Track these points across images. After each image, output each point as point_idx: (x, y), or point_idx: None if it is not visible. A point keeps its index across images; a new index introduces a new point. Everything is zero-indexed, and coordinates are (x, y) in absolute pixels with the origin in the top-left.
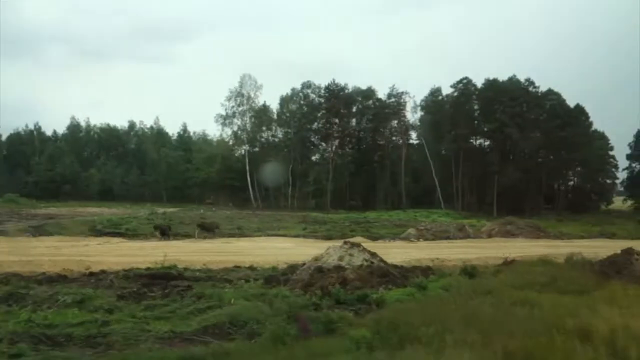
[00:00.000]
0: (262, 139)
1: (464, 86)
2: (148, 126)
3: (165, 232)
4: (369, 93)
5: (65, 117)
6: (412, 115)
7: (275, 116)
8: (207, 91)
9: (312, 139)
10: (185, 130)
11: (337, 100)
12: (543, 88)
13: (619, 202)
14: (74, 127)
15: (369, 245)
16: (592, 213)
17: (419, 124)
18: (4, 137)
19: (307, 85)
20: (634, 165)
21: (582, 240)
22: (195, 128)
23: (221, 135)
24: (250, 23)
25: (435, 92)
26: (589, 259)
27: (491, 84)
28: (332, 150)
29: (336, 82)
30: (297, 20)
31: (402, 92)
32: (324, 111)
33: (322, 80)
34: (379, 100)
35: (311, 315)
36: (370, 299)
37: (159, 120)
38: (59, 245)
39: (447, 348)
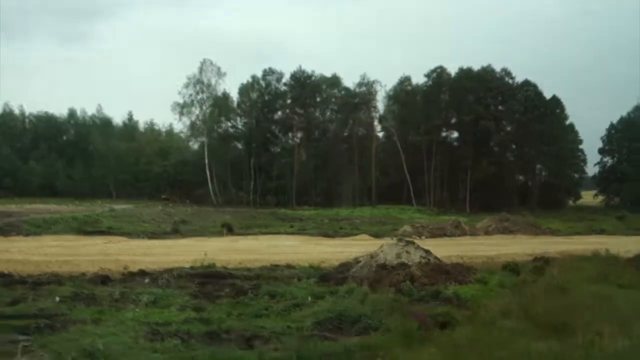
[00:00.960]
0: (221, 130)
1: (438, 75)
2: (90, 114)
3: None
4: (334, 81)
5: None
6: (382, 106)
7: (235, 105)
8: (154, 77)
9: (275, 130)
10: (130, 119)
11: (303, 89)
12: (519, 79)
13: (588, 198)
14: (6, 116)
15: (376, 242)
16: (562, 209)
17: (388, 115)
18: None
19: (269, 72)
20: (605, 159)
21: (579, 236)
22: (141, 117)
23: (171, 125)
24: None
25: (405, 82)
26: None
27: (465, 74)
28: (296, 143)
29: (303, 69)
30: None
31: (374, 81)
32: (289, 100)
33: (274, 65)
34: (347, 89)
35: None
36: (446, 295)
37: (102, 108)
38: (68, 245)
39: (605, 337)
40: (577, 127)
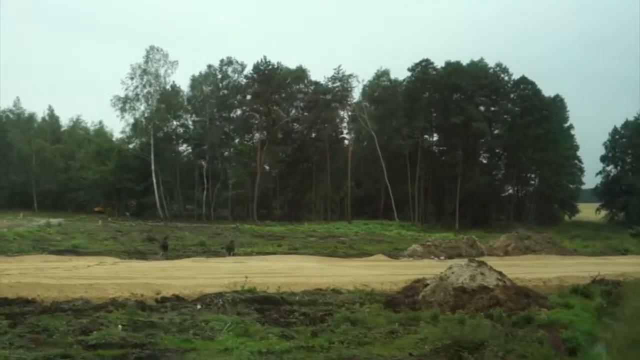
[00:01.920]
0: (169, 130)
1: (423, 70)
2: (3, 108)
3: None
4: (300, 74)
5: None
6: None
7: (185, 101)
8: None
9: (231, 131)
10: (52, 115)
11: (268, 83)
12: (515, 75)
13: (586, 212)
14: None
15: (392, 263)
16: (559, 225)
17: (364, 115)
18: None
19: (227, 62)
20: (608, 168)
21: (610, 257)
22: (64, 112)
23: (101, 122)
24: None
25: (382, 76)
26: None
27: (454, 69)
28: (257, 146)
29: (267, 60)
30: None
31: (349, 76)
32: (249, 96)
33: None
34: (317, 84)
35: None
36: (540, 320)
37: (20, 102)
38: (64, 267)
39: None
40: (573, 131)
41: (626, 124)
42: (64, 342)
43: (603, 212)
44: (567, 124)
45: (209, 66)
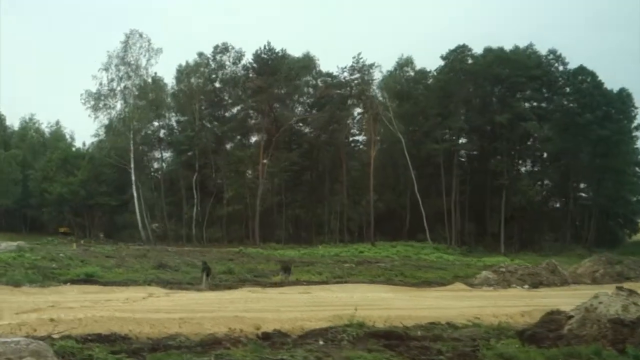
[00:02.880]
0: (151, 133)
1: (459, 58)
2: None
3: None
4: (307, 63)
5: None
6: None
7: (168, 97)
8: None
9: (227, 133)
10: None
11: (273, 75)
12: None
13: None
14: None
15: (479, 293)
16: (621, 246)
17: (389, 113)
18: None
19: (221, 49)
20: None
21: None
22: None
23: (58, 123)
24: None
25: (405, 65)
26: None
27: (497, 57)
28: (258, 151)
29: (271, 46)
30: None
31: (371, 65)
32: (248, 90)
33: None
34: (331, 76)
35: None
36: None
37: None
38: (111, 298)
39: None
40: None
41: None
42: None
43: None
44: (635, 124)
45: (200, 54)
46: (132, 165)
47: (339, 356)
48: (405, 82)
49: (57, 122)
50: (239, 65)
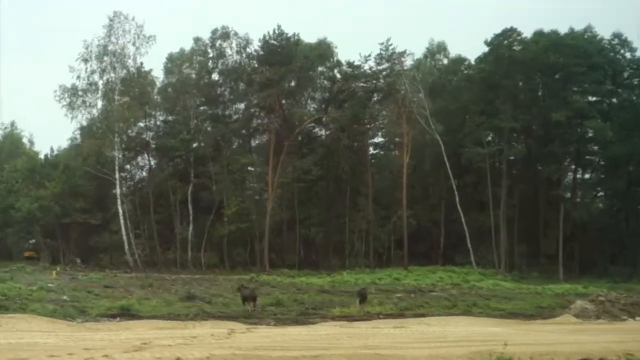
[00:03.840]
0: (137, 135)
1: (507, 43)
2: None
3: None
4: (323, 50)
5: None
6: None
7: (155, 93)
8: None
9: (228, 136)
10: None
11: (288, 64)
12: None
13: None
14: None
15: (598, 326)
16: None
17: (425, 111)
18: None
19: (222, 34)
20: None
21: None
22: None
23: (13, 124)
24: None
25: (435, 52)
26: None
27: (552, 42)
28: (266, 159)
29: (282, 30)
30: None
31: (402, 53)
32: (255, 84)
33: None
34: (353, 66)
35: None
36: None
37: None
38: (194, 334)
39: None
40: None
41: None
42: None
43: None
44: None
45: (197, 40)
46: (117, 176)
47: None
48: (437, 72)
49: (13, 124)
50: (243, 54)
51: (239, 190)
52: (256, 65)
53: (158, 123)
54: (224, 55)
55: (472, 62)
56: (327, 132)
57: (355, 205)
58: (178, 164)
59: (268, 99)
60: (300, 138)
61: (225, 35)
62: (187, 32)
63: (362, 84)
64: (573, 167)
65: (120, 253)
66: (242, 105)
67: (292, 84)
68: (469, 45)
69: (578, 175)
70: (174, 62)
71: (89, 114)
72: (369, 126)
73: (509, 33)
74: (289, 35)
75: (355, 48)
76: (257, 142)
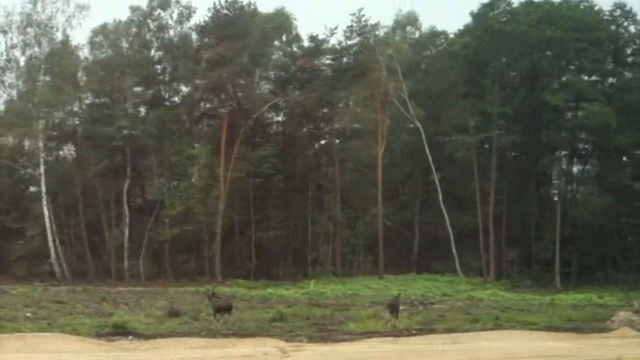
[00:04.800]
0: (63, 122)
1: (493, 15)
2: None
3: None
4: (281, 22)
5: None
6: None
7: (80, 72)
8: None
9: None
10: None
11: (240, 39)
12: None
13: None
14: None
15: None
16: None
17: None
18: None
19: (160, 3)
20: None
21: None
22: None
23: None
24: None
25: (405, 23)
26: None
27: (545, 13)
28: (219, 150)
29: None
30: None
31: (376, 25)
32: (203, 62)
33: None
34: (316, 40)
35: None
36: None
37: None
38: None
39: None
40: None
41: None
42: None
43: None
44: None
45: (133, 9)
46: (42, 170)
47: None
48: (410, 49)
49: None
50: (188, 25)
51: (184, 188)
52: (205, 40)
53: (84, 107)
54: (164, 28)
55: (451, 36)
56: (285, 119)
57: (319, 204)
58: (114, 157)
59: (220, 79)
60: (255, 126)
61: (164, 3)
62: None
63: (327, 62)
64: (569, 158)
65: (39, 262)
66: (185, 87)
67: (246, 61)
68: (443, 16)
69: (578, 168)
70: (106, 36)
71: (8, 96)
72: (338, 110)
73: (497, 3)
74: (243, 3)
75: (317, 21)
76: (204, 129)
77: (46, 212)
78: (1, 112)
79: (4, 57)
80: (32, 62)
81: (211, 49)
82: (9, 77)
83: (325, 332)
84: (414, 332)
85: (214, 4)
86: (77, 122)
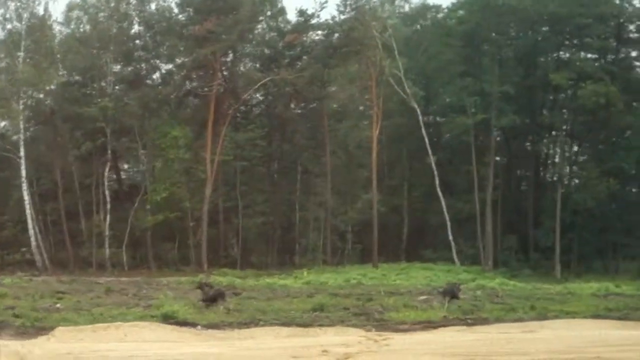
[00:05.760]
0: (33, 102)
1: None
2: None
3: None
4: None
5: None
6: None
7: (57, 47)
8: None
9: (150, 106)
10: None
11: (230, 14)
12: None
13: None
14: None
15: None
16: None
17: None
18: None
19: None
20: None
21: None
22: None
23: None
24: None
25: None
26: None
27: None
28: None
29: None
30: None
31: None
32: (189, 39)
33: None
34: (305, 15)
35: None
36: None
37: None
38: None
39: None
40: None
41: None
42: None
43: None
44: None
45: None
46: (22, 154)
47: None
48: (401, 23)
49: None
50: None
51: (168, 172)
52: (191, 14)
53: (60, 86)
54: (144, 0)
55: (445, 10)
56: (271, 98)
57: (308, 189)
58: (96, 139)
59: (207, 57)
60: (242, 107)
61: None
62: None
63: (318, 37)
64: (570, 140)
65: (12, 251)
66: (171, 66)
67: (235, 38)
68: None
69: (578, 150)
70: (85, 10)
71: None
72: (332, 89)
73: None
74: None
75: None
76: (188, 110)
77: (26, 198)
78: None
79: None
80: (11, 38)
81: (199, 25)
82: None
83: (380, 321)
84: (469, 321)
85: None
86: (52, 103)
